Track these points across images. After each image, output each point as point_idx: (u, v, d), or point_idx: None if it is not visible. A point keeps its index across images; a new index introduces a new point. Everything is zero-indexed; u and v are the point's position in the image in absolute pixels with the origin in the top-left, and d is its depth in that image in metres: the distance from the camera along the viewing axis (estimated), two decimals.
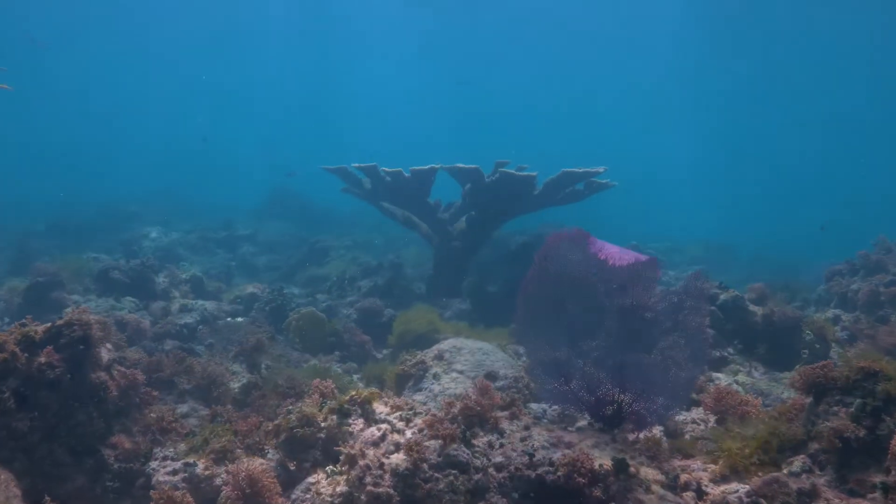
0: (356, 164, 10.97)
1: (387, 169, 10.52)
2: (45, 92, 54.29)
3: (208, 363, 6.56)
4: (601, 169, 10.25)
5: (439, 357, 6.80)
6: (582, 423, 5.87)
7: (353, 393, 4.77)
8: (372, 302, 10.60)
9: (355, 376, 8.22)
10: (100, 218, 20.86)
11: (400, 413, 4.87)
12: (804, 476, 3.72)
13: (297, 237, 18.97)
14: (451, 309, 10.61)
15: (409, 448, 3.99)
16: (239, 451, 4.90)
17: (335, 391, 5.41)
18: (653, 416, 4.79)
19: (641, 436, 4.43)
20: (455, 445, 4.03)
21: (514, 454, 4.08)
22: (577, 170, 10.10)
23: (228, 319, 10.25)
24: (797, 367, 6.77)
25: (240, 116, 66.87)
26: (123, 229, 18.37)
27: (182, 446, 4.95)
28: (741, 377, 6.87)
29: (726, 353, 7.00)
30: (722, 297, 7.38)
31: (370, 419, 4.71)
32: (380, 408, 5.03)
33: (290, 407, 4.82)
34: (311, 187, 26.84)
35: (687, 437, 5.13)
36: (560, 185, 10.37)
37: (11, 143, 47.46)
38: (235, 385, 6.80)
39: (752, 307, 7.39)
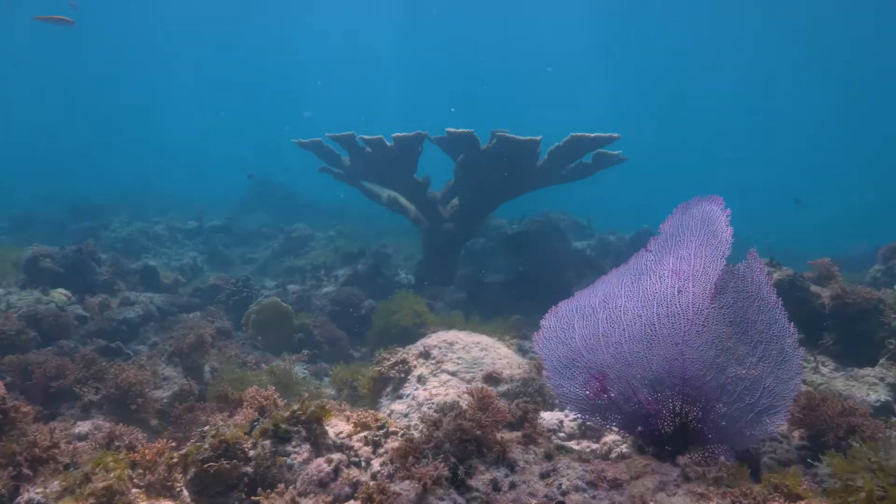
0: (330, 135, 9.47)
1: (366, 137, 9.01)
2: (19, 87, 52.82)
3: (126, 367, 5.07)
4: (616, 135, 8.75)
5: (426, 354, 5.34)
6: (611, 437, 4.44)
7: (296, 408, 3.30)
8: (349, 291, 9.11)
9: (325, 379, 6.77)
10: (69, 212, 19.37)
11: (365, 434, 3.42)
12: None
13: (276, 228, 17.49)
14: (442, 299, 9.14)
15: (369, 497, 2.54)
16: (136, 490, 3.43)
17: (277, 402, 3.96)
18: (724, 435, 3.38)
19: (717, 468, 2.97)
20: (441, 491, 2.57)
21: (534, 502, 2.64)
22: (587, 134, 8.62)
23: (183, 315, 8.77)
24: (882, 360, 5.34)
25: (238, 109, 65.36)
26: (87, 221, 16.82)
27: (56, 485, 3.48)
28: (807, 375, 5.43)
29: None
30: (776, 276, 5.93)
31: (319, 444, 3.25)
32: (339, 425, 3.57)
33: (205, 429, 3.35)
34: (299, 180, 25.54)
35: (765, 460, 3.71)
36: (567, 153, 8.89)
37: None
38: (165, 394, 5.33)
39: (814, 288, 5.95)
